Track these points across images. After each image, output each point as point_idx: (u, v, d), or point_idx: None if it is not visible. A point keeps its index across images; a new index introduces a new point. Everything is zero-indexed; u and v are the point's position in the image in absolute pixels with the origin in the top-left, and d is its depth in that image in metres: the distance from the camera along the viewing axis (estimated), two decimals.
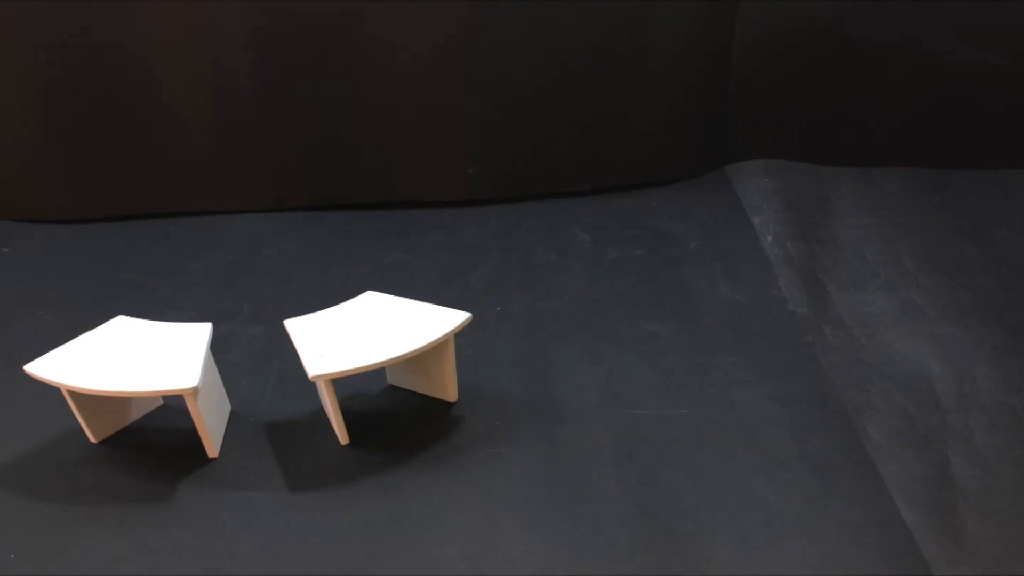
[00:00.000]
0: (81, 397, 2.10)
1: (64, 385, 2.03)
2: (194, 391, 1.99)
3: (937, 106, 3.65)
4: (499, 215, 3.47)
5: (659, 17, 3.34)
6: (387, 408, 2.32)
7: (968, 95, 3.62)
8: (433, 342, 2.12)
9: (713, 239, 3.19)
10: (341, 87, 3.30)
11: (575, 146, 3.54)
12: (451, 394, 2.31)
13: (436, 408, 2.30)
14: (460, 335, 2.31)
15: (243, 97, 3.28)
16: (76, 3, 3.04)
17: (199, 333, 2.19)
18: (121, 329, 2.23)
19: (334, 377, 2.03)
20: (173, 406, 2.31)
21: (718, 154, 3.80)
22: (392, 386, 2.42)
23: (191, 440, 2.13)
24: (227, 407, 2.31)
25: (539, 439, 2.15)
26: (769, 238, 3.17)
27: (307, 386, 2.33)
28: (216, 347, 2.43)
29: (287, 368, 2.45)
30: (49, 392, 2.11)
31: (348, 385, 2.35)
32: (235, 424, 2.27)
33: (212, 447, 2.13)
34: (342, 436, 2.19)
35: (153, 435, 2.23)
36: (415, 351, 2.08)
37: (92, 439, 2.18)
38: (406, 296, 2.38)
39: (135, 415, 2.27)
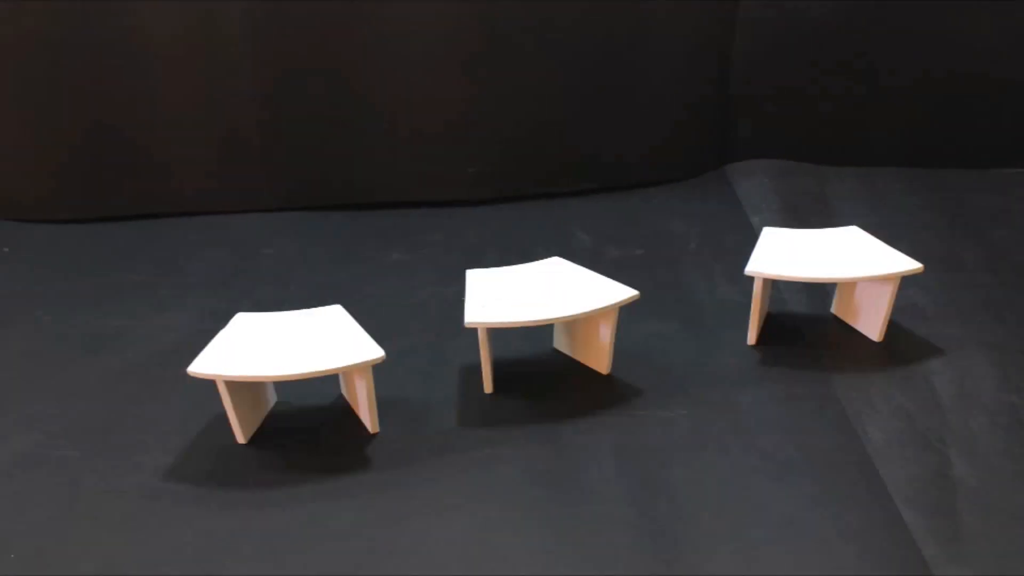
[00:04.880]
0: (239, 392, 2.10)
1: (232, 377, 2.02)
2: (380, 360, 2.06)
3: (936, 106, 3.65)
4: (499, 215, 3.47)
5: (659, 18, 3.35)
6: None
7: (967, 95, 3.63)
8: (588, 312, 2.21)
9: (713, 239, 3.19)
10: (340, 88, 3.30)
11: (575, 146, 3.54)
12: (604, 366, 2.40)
13: (438, 406, 2.30)
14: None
15: (243, 97, 3.28)
16: (77, 3, 3.04)
17: (338, 314, 2.24)
18: (249, 324, 2.22)
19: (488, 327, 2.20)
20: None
21: (718, 154, 3.80)
22: (556, 350, 2.54)
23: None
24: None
25: (539, 439, 2.15)
26: None
27: (309, 383, 2.33)
28: None
29: None
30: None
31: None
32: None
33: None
34: (488, 385, 2.31)
35: None
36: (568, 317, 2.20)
37: (241, 439, 2.16)
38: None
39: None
